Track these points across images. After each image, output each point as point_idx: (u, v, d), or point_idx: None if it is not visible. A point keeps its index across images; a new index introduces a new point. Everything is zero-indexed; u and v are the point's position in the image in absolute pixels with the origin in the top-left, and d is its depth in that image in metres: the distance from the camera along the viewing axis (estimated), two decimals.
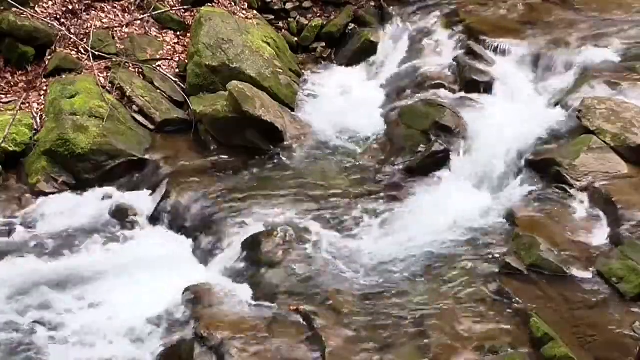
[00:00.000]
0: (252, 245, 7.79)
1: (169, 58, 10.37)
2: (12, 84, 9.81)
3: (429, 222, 8.03)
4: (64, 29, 10.04)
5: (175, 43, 10.60)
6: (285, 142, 9.39)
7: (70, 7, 10.35)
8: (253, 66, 9.93)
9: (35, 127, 9.27)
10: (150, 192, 8.78)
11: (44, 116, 9.33)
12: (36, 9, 10.14)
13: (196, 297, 7.20)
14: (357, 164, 9.17)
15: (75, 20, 10.29)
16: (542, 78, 9.70)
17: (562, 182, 8.14)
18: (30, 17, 9.90)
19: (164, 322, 7.08)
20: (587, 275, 7.17)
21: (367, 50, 10.96)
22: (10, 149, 8.98)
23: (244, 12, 11.06)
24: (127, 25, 10.55)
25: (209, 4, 10.90)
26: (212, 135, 9.41)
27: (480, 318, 6.71)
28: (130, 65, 10.03)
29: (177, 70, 10.24)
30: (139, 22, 10.61)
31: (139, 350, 6.82)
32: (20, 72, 9.88)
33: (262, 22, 10.99)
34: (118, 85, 9.59)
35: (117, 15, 10.64)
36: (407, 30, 10.95)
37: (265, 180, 8.85)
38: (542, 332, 6.36)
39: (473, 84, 9.65)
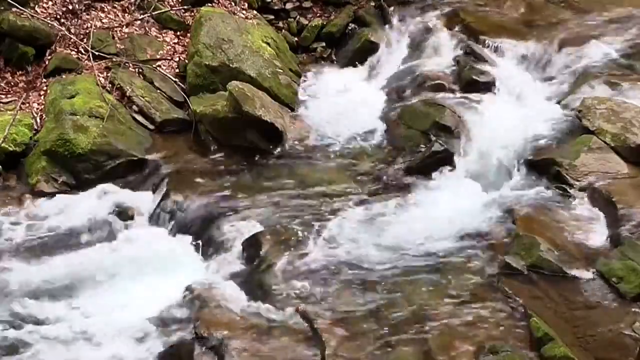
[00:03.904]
0: (252, 245, 7.79)
1: (169, 58, 10.37)
2: (12, 84, 9.80)
3: (429, 222, 8.03)
4: (64, 29, 10.04)
5: (175, 43, 10.60)
6: (285, 142, 9.39)
7: (70, 7, 10.34)
8: (253, 66, 9.93)
9: (35, 127, 9.26)
10: (150, 192, 8.77)
11: (44, 116, 9.33)
12: (36, 9, 10.13)
13: (196, 297, 7.20)
14: (357, 164, 9.16)
15: (75, 20, 10.29)
16: (542, 78, 9.71)
17: (562, 182, 8.14)
18: (30, 17, 9.90)
19: (164, 322, 7.07)
20: (587, 275, 7.17)
21: (367, 50, 10.94)
22: (10, 149, 8.97)
23: (244, 12, 11.05)
24: (127, 25, 10.55)
25: (209, 4, 10.90)
26: (212, 135, 9.41)
27: (480, 318, 6.71)
28: (130, 65, 10.03)
29: (177, 70, 10.24)
30: (139, 22, 10.61)
31: (138, 350, 6.82)
32: (20, 72, 9.87)
33: (262, 22, 10.98)
34: (118, 85, 9.59)
35: (117, 15, 10.64)
36: (407, 30, 10.95)
37: (265, 180, 8.85)
38: (542, 332, 6.36)
39: (473, 84, 9.64)
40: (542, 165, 8.42)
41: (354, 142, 9.53)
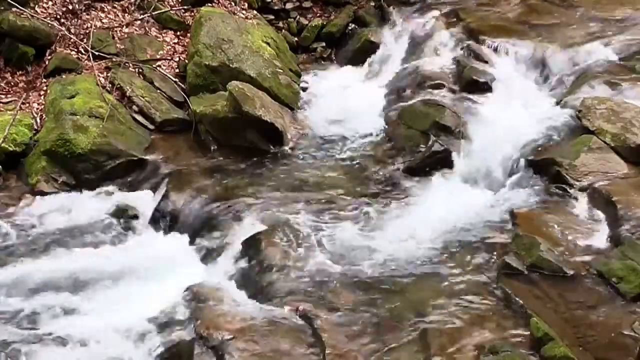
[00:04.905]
0: (252, 245, 7.79)
1: (169, 58, 10.37)
2: (12, 84, 9.81)
3: (429, 223, 8.02)
4: (64, 29, 10.04)
5: (175, 43, 10.61)
6: (285, 142, 9.40)
7: (70, 7, 10.35)
8: (253, 66, 9.93)
9: (35, 127, 9.27)
10: (150, 192, 8.77)
11: (44, 116, 9.34)
12: (36, 9, 10.14)
13: (196, 297, 7.20)
14: (357, 164, 9.17)
15: (75, 20, 10.29)
16: (542, 78, 9.70)
17: (562, 182, 8.13)
18: (30, 17, 9.90)
19: (164, 322, 7.07)
20: (587, 275, 7.16)
21: (367, 50, 10.96)
22: (10, 149, 8.98)
23: (244, 12, 11.06)
24: (127, 25, 10.56)
25: (209, 4, 10.91)
26: (212, 135, 9.42)
27: (480, 318, 6.70)
28: (130, 65, 10.04)
29: (177, 70, 10.24)
30: (139, 22, 10.61)
31: (138, 350, 6.81)
32: (20, 72, 9.88)
33: (262, 22, 10.99)
34: (118, 85, 9.60)
35: (117, 15, 10.65)
36: (407, 30, 10.96)
37: (265, 180, 8.85)
38: (542, 332, 6.35)
39: (473, 84, 9.65)
40: (542, 165, 8.41)
41: (354, 142, 9.54)
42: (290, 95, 10.11)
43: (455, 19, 10.70)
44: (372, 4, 11.49)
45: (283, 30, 11.31)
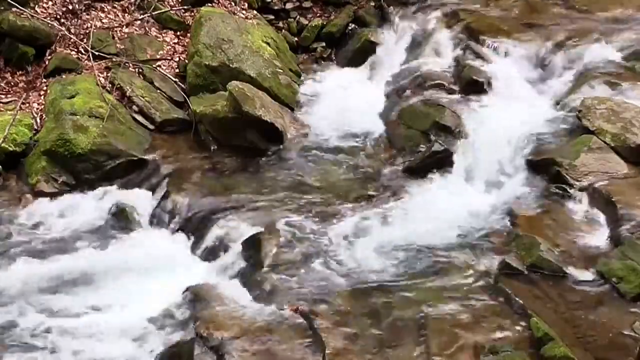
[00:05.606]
0: (252, 245, 7.79)
1: (169, 58, 10.37)
2: (12, 84, 9.81)
3: (429, 222, 8.03)
4: (64, 29, 10.04)
5: (175, 43, 10.60)
6: (285, 142, 9.40)
7: (70, 7, 10.35)
8: (253, 66, 9.93)
9: (35, 127, 9.27)
10: (150, 192, 8.77)
11: (44, 116, 9.34)
12: (36, 9, 10.14)
13: (196, 297, 7.21)
14: (357, 164, 9.17)
15: (75, 20, 10.29)
16: (542, 78, 9.70)
17: (562, 182, 8.14)
18: (30, 17, 9.90)
19: (164, 322, 7.08)
20: (587, 275, 7.17)
21: (367, 50, 10.95)
22: (10, 149, 8.98)
23: (244, 12, 11.06)
24: (127, 25, 10.56)
25: (209, 4, 10.90)
26: (212, 135, 9.42)
27: (480, 318, 6.71)
28: (130, 65, 10.04)
29: (177, 70, 10.24)
30: (139, 22, 10.61)
31: (138, 350, 6.82)
32: (20, 72, 9.88)
33: (262, 22, 10.99)
34: (118, 85, 9.60)
35: (117, 15, 10.64)
36: (407, 30, 10.95)
37: (265, 180, 8.85)
38: (542, 332, 6.36)
39: (473, 84, 9.64)
40: (542, 165, 8.42)
41: (354, 142, 9.53)
42: (290, 95, 10.11)
43: (455, 19, 10.69)
44: (372, 4, 11.49)
45: (283, 30, 11.30)
